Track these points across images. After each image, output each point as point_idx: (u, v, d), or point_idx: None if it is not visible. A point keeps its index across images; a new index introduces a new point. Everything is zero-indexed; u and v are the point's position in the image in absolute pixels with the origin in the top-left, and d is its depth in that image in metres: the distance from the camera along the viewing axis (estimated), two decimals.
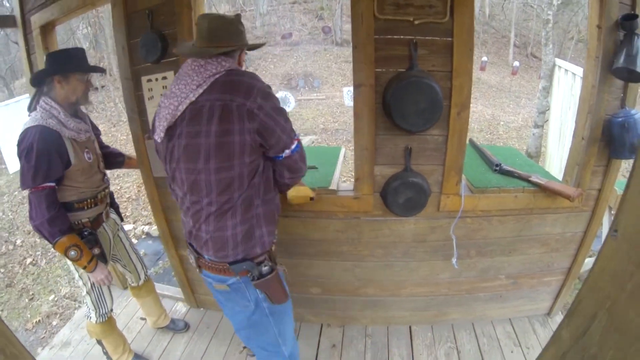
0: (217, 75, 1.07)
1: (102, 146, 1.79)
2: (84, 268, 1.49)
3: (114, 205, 1.84)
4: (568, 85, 2.89)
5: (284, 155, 1.15)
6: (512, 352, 1.96)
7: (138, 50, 1.67)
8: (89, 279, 1.59)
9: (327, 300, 2.10)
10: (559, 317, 2.13)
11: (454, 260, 1.80)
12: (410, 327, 2.14)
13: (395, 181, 1.62)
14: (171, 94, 1.10)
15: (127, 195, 4.14)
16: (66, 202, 1.49)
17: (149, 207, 3.84)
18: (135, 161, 1.95)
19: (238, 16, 1.16)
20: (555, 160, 3.23)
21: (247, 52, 1.26)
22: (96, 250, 1.55)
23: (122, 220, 1.89)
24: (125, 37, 1.68)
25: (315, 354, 2.03)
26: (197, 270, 1.26)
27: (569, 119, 2.89)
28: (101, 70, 1.62)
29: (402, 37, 1.40)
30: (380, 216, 1.78)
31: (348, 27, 13.55)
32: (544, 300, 2.11)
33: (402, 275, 1.95)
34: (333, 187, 1.77)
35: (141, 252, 3.10)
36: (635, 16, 1.38)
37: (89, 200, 1.56)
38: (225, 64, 1.09)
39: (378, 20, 1.37)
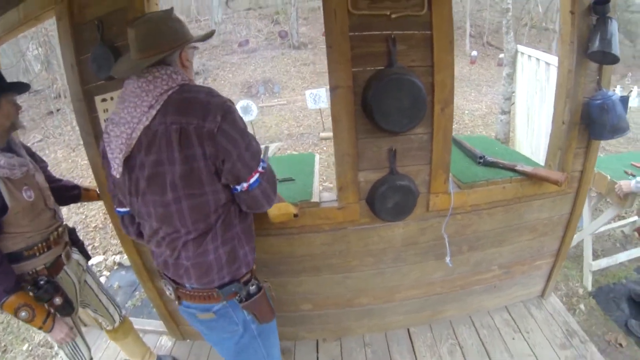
0: (170, 92, 0.93)
1: (53, 180, 1.57)
2: (40, 329, 1.29)
3: (78, 244, 1.63)
4: (532, 70, 2.94)
5: (239, 188, 1.00)
6: (513, 339, 1.96)
7: (88, 66, 1.48)
8: None
9: (321, 315, 2.00)
10: (552, 298, 2.16)
11: (447, 259, 1.75)
12: (408, 330, 2.09)
13: (382, 186, 1.53)
14: (120, 119, 0.95)
15: (94, 224, 3.80)
16: (12, 252, 1.27)
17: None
18: (94, 192, 1.74)
19: (168, 12, 0.99)
20: (525, 145, 3.30)
21: (195, 46, 1.09)
22: (57, 300, 1.33)
23: (89, 258, 1.68)
24: (73, 53, 1.47)
25: None
26: (177, 302, 1.15)
27: (535, 103, 2.95)
28: (27, 87, 1.40)
29: (379, 32, 1.30)
30: (367, 224, 1.69)
31: (304, 29, 13.54)
32: (536, 284, 2.12)
33: (395, 280, 1.88)
34: (315, 199, 1.66)
35: (115, 284, 2.86)
36: (607, 0, 1.37)
37: (40, 245, 1.34)
38: (177, 78, 0.95)
39: (352, 16, 1.27)
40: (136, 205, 1.04)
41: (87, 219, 3.94)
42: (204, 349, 2.09)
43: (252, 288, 1.14)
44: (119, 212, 1.16)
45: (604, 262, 2.34)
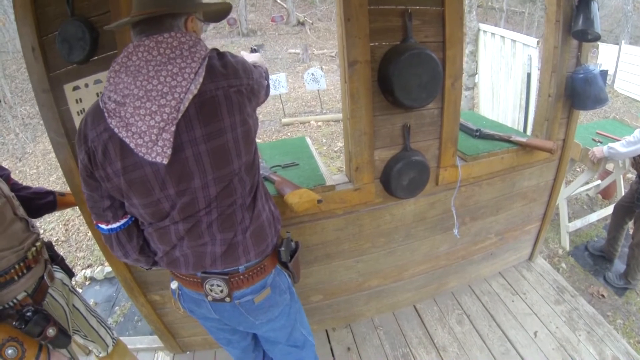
0: (208, 58, 0.84)
1: (19, 188, 1.34)
2: None
3: (57, 260, 1.39)
4: (497, 47, 3.11)
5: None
6: (513, 301, 2.08)
7: (55, 48, 1.23)
8: None
9: (330, 304, 1.96)
10: (539, 260, 2.33)
11: (455, 230, 1.80)
12: (415, 307, 2.13)
13: (397, 163, 1.52)
14: (147, 93, 0.78)
15: (55, 238, 3.33)
16: None
17: (84, 246, 3.20)
18: (71, 197, 1.50)
19: None
20: (491, 118, 3.49)
21: (205, 21, 1.00)
22: (51, 331, 1.11)
23: (72, 275, 1.45)
24: (35, 33, 1.21)
25: None
26: (226, 299, 1.03)
27: (501, 78, 3.13)
28: None
29: (395, 7, 1.28)
30: (381, 204, 1.67)
31: (252, 16, 13.16)
32: (525, 247, 2.27)
33: (404, 258, 1.90)
34: (329, 182, 1.59)
35: (90, 301, 2.55)
36: None
37: (17, 266, 1.12)
38: (202, 41, 0.89)
39: None
40: (167, 203, 0.88)
41: (46, 232, 3.45)
42: (208, 358, 1.94)
43: (293, 243, 1.14)
44: (112, 230, 0.96)
45: (578, 223, 2.58)
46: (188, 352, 2.00)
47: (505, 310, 2.03)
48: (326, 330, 2.05)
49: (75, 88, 1.30)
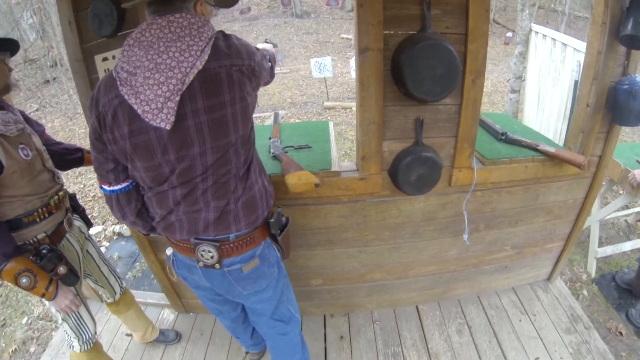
0: (214, 38, 0.91)
1: (52, 143, 1.48)
2: (43, 296, 1.21)
3: (78, 210, 1.54)
4: (547, 50, 2.88)
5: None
6: (520, 320, 1.97)
7: (88, 23, 1.35)
8: None
9: (331, 290, 1.98)
10: (558, 282, 2.18)
11: (465, 236, 1.73)
12: (417, 307, 2.08)
13: (406, 157, 1.48)
14: (157, 65, 0.84)
15: (92, 194, 3.68)
16: (11, 219, 1.19)
17: None
18: None
19: None
20: (534, 126, 3.26)
21: (215, 5, 1.06)
22: (62, 269, 1.25)
23: (90, 226, 1.60)
24: (71, 8, 1.35)
25: (323, 348, 1.91)
26: (216, 266, 1.10)
27: (548, 83, 2.91)
28: (17, 46, 1.27)
29: None
30: (388, 197, 1.65)
31: None
32: (545, 266, 2.13)
33: (410, 256, 1.86)
34: (335, 168, 1.60)
35: (115, 255, 2.79)
36: None
37: (40, 211, 1.26)
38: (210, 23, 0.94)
39: None
40: (167, 167, 0.95)
41: (86, 188, 3.82)
42: (209, 323, 2.06)
43: (284, 218, 1.20)
44: (113, 191, 1.04)
45: (609, 250, 2.36)
46: (191, 314, 2.13)
47: (510, 328, 1.93)
48: (324, 316, 2.08)
49: (104, 59, 1.43)
